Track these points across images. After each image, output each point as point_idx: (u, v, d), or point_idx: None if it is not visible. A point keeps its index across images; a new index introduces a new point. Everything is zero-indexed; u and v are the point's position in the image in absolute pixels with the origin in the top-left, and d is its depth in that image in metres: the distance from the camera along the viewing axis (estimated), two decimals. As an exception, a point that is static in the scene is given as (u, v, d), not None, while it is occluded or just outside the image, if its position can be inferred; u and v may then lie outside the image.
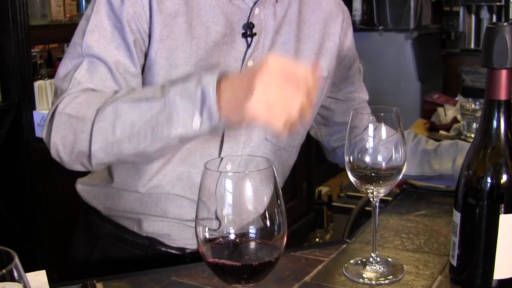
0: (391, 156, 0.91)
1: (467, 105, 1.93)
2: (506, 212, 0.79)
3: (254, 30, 1.08)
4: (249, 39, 1.09)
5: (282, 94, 0.81)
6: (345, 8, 1.26)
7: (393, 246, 1.05)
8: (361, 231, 1.12)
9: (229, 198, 0.63)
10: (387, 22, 4.27)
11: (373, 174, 0.91)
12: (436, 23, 4.63)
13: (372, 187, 0.92)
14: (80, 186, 1.20)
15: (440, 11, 4.64)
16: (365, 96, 1.35)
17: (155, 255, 1.14)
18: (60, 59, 3.04)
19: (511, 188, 0.80)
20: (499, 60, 0.77)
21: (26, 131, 2.49)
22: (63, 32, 2.64)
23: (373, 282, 0.90)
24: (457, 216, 0.84)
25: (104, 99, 0.95)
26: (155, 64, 1.03)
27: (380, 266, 0.93)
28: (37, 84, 2.52)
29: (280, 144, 1.19)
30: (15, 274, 0.45)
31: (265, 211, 0.65)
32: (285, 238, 0.66)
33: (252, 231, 0.65)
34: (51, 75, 2.69)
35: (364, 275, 0.92)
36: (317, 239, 3.25)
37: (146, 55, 1.04)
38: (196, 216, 0.65)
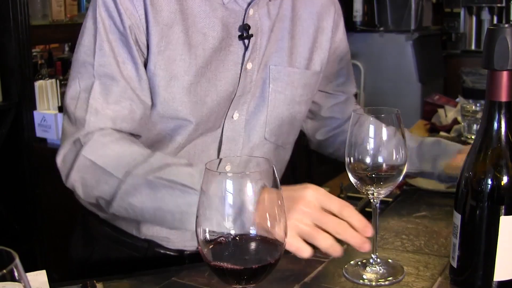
0: (392, 157, 0.91)
1: (468, 107, 1.93)
2: (506, 214, 0.79)
3: (250, 32, 1.08)
4: (246, 41, 1.08)
5: (314, 228, 0.83)
6: (336, 0, 1.26)
7: (393, 247, 1.05)
8: (361, 232, 1.12)
9: (229, 199, 0.63)
10: (388, 23, 4.28)
11: (373, 175, 0.91)
12: (437, 24, 4.64)
13: (373, 188, 0.91)
14: None
15: (441, 12, 4.65)
16: (353, 89, 1.36)
17: (154, 257, 1.14)
18: (60, 59, 3.07)
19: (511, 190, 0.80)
20: (500, 62, 0.77)
21: (26, 131, 2.50)
22: (64, 32, 2.65)
23: (373, 283, 0.90)
24: (457, 218, 0.84)
25: (135, 160, 0.94)
26: (155, 76, 1.03)
27: (380, 267, 0.93)
28: (37, 84, 2.52)
29: (278, 142, 1.20)
30: (16, 274, 0.45)
31: (265, 212, 0.65)
32: (286, 239, 0.66)
33: (252, 231, 0.65)
34: (52, 75, 2.70)
35: (364, 276, 0.92)
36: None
37: (145, 67, 1.04)
38: (197, 216, 0.65)
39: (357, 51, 4.31)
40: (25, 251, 2.46)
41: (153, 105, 1.05)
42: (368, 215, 0.91)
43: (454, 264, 0.86)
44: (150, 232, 1.13)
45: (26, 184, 2.53)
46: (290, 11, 1.16)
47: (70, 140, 1.00)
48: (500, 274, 0.81)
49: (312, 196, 0.84)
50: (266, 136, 1.17)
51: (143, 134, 1.07)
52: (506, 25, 0.77)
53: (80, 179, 0.99)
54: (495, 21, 4.34)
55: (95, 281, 0.89)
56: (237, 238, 0.65)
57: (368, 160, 0.91)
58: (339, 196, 3.40)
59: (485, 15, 4.42)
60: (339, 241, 0.86)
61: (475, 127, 1.89)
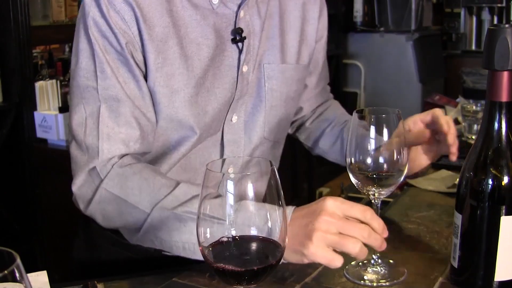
0: (393, 158, 0.91)
1: (468, 107, 1.92)
2: (507, 214, 0.79)
3: (242, 34, 1.07)
4: (240, 44, 1.07)
5: (341, 236, 0.82)
6: None
7: (394, 247, 1.05)
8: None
9: (230, 200, 0.63)
10: (388, 23, 4.28)
11: (374, 176, 0.91)
12: (437, 25, 4.64)
13: (374, 189, 0.92)
14: None
15: (441, 12, 4.64)
16: (313, 78, 1.33)
17: (155, 258, 1.14)
18: (61, 60, 3.07)
19: None
20: (500, 62, 0.77)
21: (26, 131, 2.50)
22: (64, 33, 2.64)
23: (374, 284, 0.90)
24: (458, 218, 0.84)
25: (160, 192, 0.93)
26: (156, 93, 1.01)
27: (381, 268, 0.93)
28: (38, 84, 2.52)
29: (275, 140, 1.21)
30: (17, 274, 0.45)
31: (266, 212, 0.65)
32: (287, 240, 0.66)
33: (253, 232, 0.65)
34: (52, 76, 2.70)
35: (365, 277, 0.92)
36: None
37: None
38: (198, 217, 0.65)
39: (358, 52, 4.31)
40: (25, 251, 2.46)
41: (156, 120, 1.04)
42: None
43: (455, 264, 0.86)
44: None
45: (26, 185, 2.53)
46: (278, 7, 1.15)
47: (85, 169, 0.99)
48: (500, 274, 0.81)
49: (333, 206, 0.84)
50: (265, 135, 1.17)
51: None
52: (507, 25, 0.77)
53: (101, 210, 0.98)
54: (495, 21, 4.34)
55: (96, 282, 0.89)
56: (238, 239, 0.65)
57: (369, 160, 0.91)
58: (339, 196, 3.40)
59: (485, 15, 4.42)
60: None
61: (475, 127, 1.89)
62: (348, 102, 4.06)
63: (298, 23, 1.18)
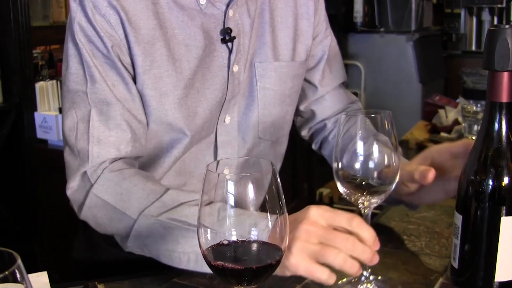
0: (384, 163, 0.86)
1: (468, 107, 1.93)
2: (507, 215, 0.79)
3: (232, 34, 1.05)
4: (229, 44, 1.06)
5: (323, 246, 0.78)
6: None
7: (395, 248, 1.05)
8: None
9: (231, 200, 0.63)
10: (388, 24, 4.28)
11: (363, 183, 0.86)
12: (437, 25, 4.64)
13: (363, 198, 0.86)
14: None
15: (441, 13, 4.64)
16: (335, 82, 1.27)
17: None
18: (61, 60, 3.06)
19: None
20: (500, 63, 0.77)
21: (27, 132, 2.50)
22: (65, 33, 2.64)
23: None
24: (458, 218, 0.84)
25: (148, 198, 0.92)
26: (145, 96, 1.01)
27: (373, 286, 0.89)
28: (38, 85, 2.52)
29: (272, 139, 1.19)
30: (18, 275, 0.45)
31: (267, 213, 0.65)
32: (287, 240, 0.66)
33: (254, 233, 0.65)
34: (52, 76, 2.70)
35: None
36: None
37: None
38: (198, 218, 0.65)
39: (358, 52, 4.31)
40: (25, 252, 2.46)
41: (147, 123, 1.04)
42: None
43: (455, 265, 0.86)
44: None
45: (26, 185, 2.53)
46: (268, 4, 1.12)
47: (77, 174, 0.99)
48: (501, 274, 0.81)
49: (315, 215, 0.80)
50: (260, 135, 1.16)
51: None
52: (507, 26, 0.77)
53: (92, 217, 0.98)
54: (495, 22, 4.34)
55: (96, 283, 0.89)
56: (238, 239, 0.65)
57: (357, 166, 0.86)
58: (340, 197, 3.40)
59: (486, 16, 4.42)
60: None
61: (475, 127, 1.89)
62: (348, 102, 4.04)
63: (291, 19, 1.15)
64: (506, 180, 0.80)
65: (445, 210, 1.22)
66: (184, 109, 1.03)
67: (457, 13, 4.53)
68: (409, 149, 1.92)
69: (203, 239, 0.65)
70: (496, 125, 0.80)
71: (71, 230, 1.27)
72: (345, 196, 0.87)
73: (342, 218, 0.80)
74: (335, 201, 3.32)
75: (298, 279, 0.92)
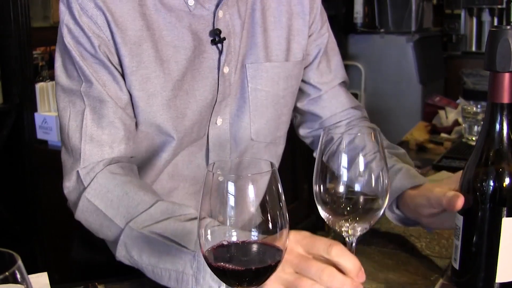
0: (371, 185, 0.78)
1: (469, 108, 1.93)
2: (508, 216, 0.79)
3: (222, 35, 1.04)
4: (219, 45, 1.05)
5: (297, 277, 0.74)
6: None
7: (394, 249, 1.05)
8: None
9: (231, 201, 0.63)
10: (388, 24, 4.28)
11: (348, 208, 0.77)
12: (438, 26, 4.64)
13: (347, 224, 0.78)
14: None
15: (442, 13, 4.64)
16: (335, 80, 1.24)
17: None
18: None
19: None
20: (502, 63, 0.77)
21: (27, 132, 2.50)
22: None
23: None
24: (459, 220, 0.84)
25: (137, 208, 0.91)
26: (133, 97, 1.01)
27: None
28: (38, 86, 2.52)
29: (267, 140, 1.17)
30: (18, 276, 0.45)
31: (267, 214, 0.65)
32: (287, 241, 0.66)
33: (254, 233, 0.65)
34: (53, 77, 2.70)
35: None
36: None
37: None
38: (199, 219, 0.65)
39: (358, 53, 4.31)
40: (25, 252, 2.45)
41: (136, 124, 1.03)
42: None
43: (456, 266, 0.86)
44: None
45: (26, 185, 2.53)
46: (259, 4, 1.11)
47: (71, 173, 0.99)
48: (502, 275, 0.81)
49: (292, 242, 0.74)
50: (253, 137, 1.14)
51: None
52: (508, 27, 0.77)
53: (84, 221, 0.98)
54: (495, 23, 4.34)
55: (96, 283, 0.89)
56: (238, 240, 0.65)
57: (341, 189, 0.77)
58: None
59: (486, 17, 4.42)
60: None
61: (476, 128, 1.89)
62: (349, 103, 4.04)
63: (285, 18, 1.13)
64: (507, 181, 0.80)
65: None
66: (173, 111, 1.03)
67: (457, 14, 4.52)
68: (409, 150, 1.92)
69: (203, 240, 0.65)
70: (497, 126, 0.80)
71: (71, 231, 1.26)
72: (328, 222, 0.79)
73: (320, 245, 0.75)
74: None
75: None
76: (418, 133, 2.09)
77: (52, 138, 2.50)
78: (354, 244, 0.80)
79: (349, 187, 0.77)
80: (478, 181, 0.81)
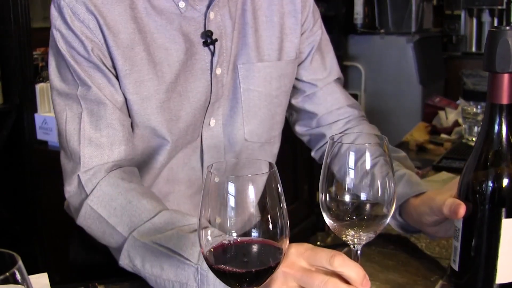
0: (377, 194, 0.77)
1: (469, 109, 1.93)
2: (508, 217, 0.79)
3: (214, 36, 1.04)
4: (211, 46, 1.05)
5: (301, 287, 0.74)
6: None
7: (395, 250, 1.05)
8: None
9: (231, 202, 0.63)
10: (388, 25, 4.28)
11: (354, 217, 0.77)
12: (438, 27, 4.64)
13: (353, 232, 0.77)
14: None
15: (442, 14, 4.64)
16: (330, 77, 1.23)
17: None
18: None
19: None
20: (501, 64, 0.77)
21: (27, 133, 2.50)
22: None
23: None
24: (458, 221, 0.84)
25: (140, 217, 0.91)
26: (127, 101, 1.01)
27: None
28: (38, 86, 2.52)
29: (261, 140, 1.17)
30: (19, 276, 0.45)
31: (267, 214, 0.65)
32: (287, 242, 0.66)
33: (254, 234, 0.65)
34: (53, 77, 2.70)
35: None
36: (318, 242, 3.25)
37: None
38: (199, 219, 0.65)
39: (358, 53, 4.31)
40: (25, 252, 2.45)
41: (132, 127, 1.03)
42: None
43: (455, 267, 0.86)
44: None
45: (26, 186, 2.53)
46: (250, 4, 1.10)
47: (72, 177, 0.99)
48: (501, 277, 0.81)
49: (294, 255, 0.75)
50: (247, 138, 1.14)
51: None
52: (507, 28, 0.77)
53: (87, 227, 0.98)
54: (495, 23, 4.34)
55: (96, 284, 0.89)
56: (239, 241, 0.65)
57: (347, 198, 0.77)
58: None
59: (486, 17, 4.42)
60: None
61: (476, 129, 1.90)
62: (349, 104, 4.03)
63: (276, 17, 1.13)
64: (506, 182, 0.80)
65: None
66: (167, 113, 1.03)
67: (457, 15, 4.53)
68: (409, 151, 1.92)
69: (204, 241, 0.65)
70: (496, 127, 0.80)
71: (71, 231, 1.27)
72: (333, 230, 0.78)
73: (322, 257, 0.74)
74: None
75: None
76: (418, 133, 2.10)
77: (52, 138, 2.50)
78: (359, 252, 0.80)
79: (355, 195, 0.77)
80: (477, 183, 0.81)
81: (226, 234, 0.64)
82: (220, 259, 0.65)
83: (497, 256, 0.80)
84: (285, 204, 0.65)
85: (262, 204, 0.64)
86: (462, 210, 0.82)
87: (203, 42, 1.04)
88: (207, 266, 0.77)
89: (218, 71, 1.06)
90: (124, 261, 0.90)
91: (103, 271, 1.15)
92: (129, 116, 1.02)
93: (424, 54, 4.15)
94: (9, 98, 2.46)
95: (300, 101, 1.24)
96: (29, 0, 2.45)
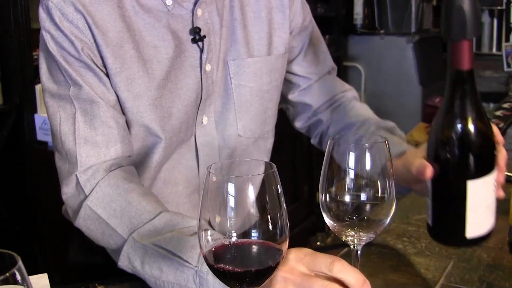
0: (377, 195, 0.77)
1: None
2: (472, 178, 0.78)
3: (202, 33, 1.05)
4: (200, 43, 1.05)
5: None
6: None
7: (395, 250, 1.05)
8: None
9: (231, 202, 0.63)
10: (388, 25, 4.28)
11: (354, 217, 0.77)
12: (438, 27, 4.64)
13: (353, 233, 0.77)
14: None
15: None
16: (323, 68, 1.26)
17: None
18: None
19: (476, 155, 0.79)
20: (458, 32, 0.77)
21: (27, 133, 2.50)
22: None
23: None
24: (428, 181, 0.83)
25: (140, 218, 0.91)
26: (119, 99, 1.01)
27: None
28: (38, 87, 2.52)
29: (255, 136, 1.18)
30: (19, 277, 0.45)
31: (267, 215, 0.65)
32: (287, 242, 0.66)
33: (254, 235, 0.65)
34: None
35: None
36: (318, 243, 3.25)
37: None
38: (199, 220, 0.66)
39: (358, 54, 4.31)
40: (25, 252, 2.45)
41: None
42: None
43: (430, 222, 0.85)
44: None
45: (26, 186, 2.53)
46: (237, 1, 1.11)
47: (69, 178, 0.98)
48: (471, 231, 0.80)
49: (293, 260, 0.75)
50: (240, 133, 1.15)
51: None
52: None
53: (86, 228, 0.98)
54: (495, 24, 4.34)
55: (96, 284, 0.89)
56: (239, 241, 0.65)
57: (347, 198, 0.77)
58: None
59: (485, 18, 4.42)
60: None
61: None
62: (348, 104, 4.04)
63: (264, 13, 1.14)
64: (467, 145, 0.78)
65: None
66: (159, 110, 1.03)
67: (457, 15, 4.53)
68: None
69: (203, 241, 0.66)
70: (459, 92, 0.80)
71: (71, 231, 1.26)
72: (333, 230, 0.78)
73: (322, 262, 0.74)
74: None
75: None
76: (418, 134, 2.10)
77: (52, 139, 2.50)
78: (359, 252, 0.79)
79: (355, 195, 0.77)
80: (441, 145, 0.80)
81: (226, 233, 0.64)
82: (220, 259, 0.65)
83: (465, 214, 0.79)
84: (285, 205, 0.65)
85: (262, 204, 0.64)
86: (428, 171, 0.81)
87: (192, 39, 1.04)
88: (206, 268, 0.77)
89: (208, 67, 1.07)
90: (123, 263, 0.90)
91: (103, 272, 1.15)
92: (123, 113, 1.02)
93: (424, 54, 4.16)
94: (9, 98, 2.46)
95: (296, 95, 1.27)
96: (29, 0, 2.45)
